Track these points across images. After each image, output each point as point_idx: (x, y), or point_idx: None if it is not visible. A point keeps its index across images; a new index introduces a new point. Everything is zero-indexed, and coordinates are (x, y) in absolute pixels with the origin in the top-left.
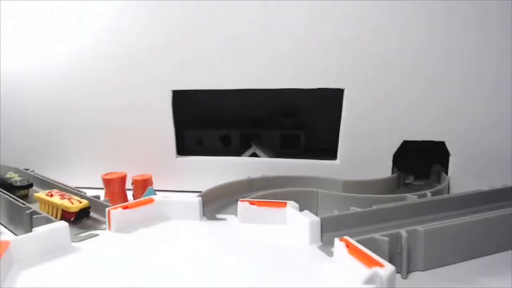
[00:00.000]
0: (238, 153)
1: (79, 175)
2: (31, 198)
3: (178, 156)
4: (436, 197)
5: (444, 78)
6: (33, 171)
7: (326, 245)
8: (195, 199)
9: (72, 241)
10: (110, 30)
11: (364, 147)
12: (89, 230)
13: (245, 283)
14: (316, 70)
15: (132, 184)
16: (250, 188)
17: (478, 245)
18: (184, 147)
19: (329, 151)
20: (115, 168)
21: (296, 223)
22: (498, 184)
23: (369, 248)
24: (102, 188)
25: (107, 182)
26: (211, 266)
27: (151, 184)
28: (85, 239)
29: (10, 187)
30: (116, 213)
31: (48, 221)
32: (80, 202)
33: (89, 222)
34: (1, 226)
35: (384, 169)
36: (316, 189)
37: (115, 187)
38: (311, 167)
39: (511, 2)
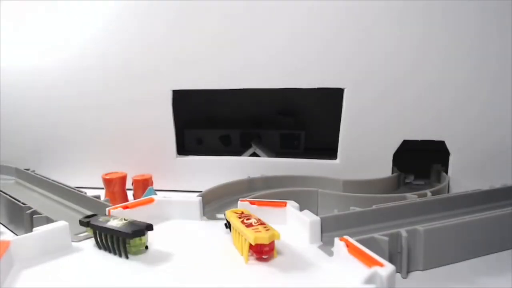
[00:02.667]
0: (238, 153)
1: (79, 175)
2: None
3: (178, 156)
4: (436, 197)
5: (444, 78)
6: (33, 171)
7: (326, 244)
8: (195, 199)
9: (72, 241)
10: (110, 30)
11: (364, 147)
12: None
13: (245, 282)
14: (316, 70)
15: (132, 184)
16: (250, 188)
17: (478, 245)
18: (184, 147)
19: (329, 151)
20: (116, 168)
21: (296, 223)
22: (498, 184)
23: (369, 248)
24: (102, 188)
25: (108, 182)
26: (211, 266)
27: (151, 184)
28: (85, 239)
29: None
30: (116, 213)
31: (49, 221)
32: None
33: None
34: (2, 226)
35: (384, 169)
36: (316, 189)
37: (116, 187)
38: (311, 167)
39: (511, 2)
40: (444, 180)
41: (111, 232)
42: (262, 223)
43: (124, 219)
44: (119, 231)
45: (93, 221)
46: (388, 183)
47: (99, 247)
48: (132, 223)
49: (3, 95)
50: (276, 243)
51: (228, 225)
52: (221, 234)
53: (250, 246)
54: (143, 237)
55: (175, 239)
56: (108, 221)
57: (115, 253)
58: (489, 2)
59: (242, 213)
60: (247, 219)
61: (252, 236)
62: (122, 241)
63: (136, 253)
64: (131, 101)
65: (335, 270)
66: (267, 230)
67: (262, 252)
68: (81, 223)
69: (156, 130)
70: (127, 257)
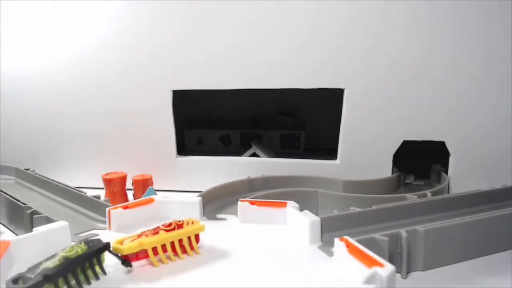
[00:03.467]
0: (238, 153)
1: (79, 175)
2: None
3: (178, 156)
4: (436, 197)
5: (444, 78)
6: (33, 171)
7: (326, 245)
8: (195, 199)
9: (72, 241)
10: (111, 31)
11: (364, 147)
12: (89, 230)
13: (245, 283)
14: (316, 71)
15: (132, 184)
16: (250, 188)
17: (478, 245)
18: (184, 147)
19: (329, 151)
20: (116, 168)
21: (296, 223)
22: (498, 184)
23: (369, 248)
24: (102, 188)
25: (108, 182)
26: (210, 266)
27: (151, 184)
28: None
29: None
30: (116, 213)
31: (49, 221)
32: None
33: None
34: (2, 226)
35: (384, 169)
36: (316, 189)
37: (116, 187)
38: (311, 167)
39: None
40: (444, 181)
41: (87, 259)
42: (180, 220)
43: (78, 243)
44: (97, 249)
45: (43, 272)
46: (388, 183)
47: None
48: (87, 242)
49: (4, 95)
50: (277, 243)
51: (127, 262)
52: (221, 234)
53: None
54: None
55: None
56: (55, 263)
57: (89, 283)
58: (494, 7)
59: (140, 235)
60: (166, 227)
61: (199, 226)
62: (97, 260)
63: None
64: (131, 101)
65: (335, 270)
66: (192, 222)
67: (198, 239)
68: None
69: (156, 130)
70: (105, 273)
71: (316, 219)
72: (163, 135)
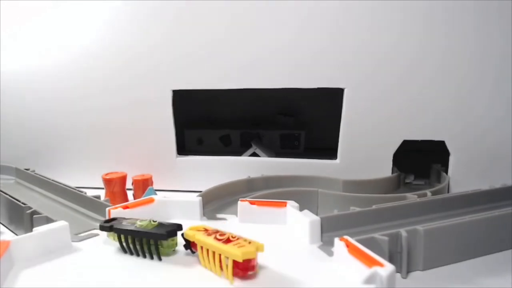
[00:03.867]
0: (238, 153)
1: (79, 175)
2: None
3: (179, 156)
4: (436, 197)
5: (444, 78)
6: (33, 171)
7: (326, 245)
8: (195, 199)
9: (72, 241)
10: (109, 30)
11: (364, 147)
12: (89, 230)
13: (245, 283)
14: (316, 70)
15: (132, 184)
16: (250, 188)
17: (478, 245)
18: (184, 147)
19: (329, 151)
20: (116, 168)
21: (296, 223)
22: (498, 184)
23: (369, 248)
24: (102, 188)
25: (108, 182)
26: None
27: (151, 184)
28: (85, 239)
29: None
30: (116, 213)
31: (49, 221)
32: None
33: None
34: (2, 226)
35: (384, 169)
36: (316, 189)
37: (116, 187)
38: (311, 167)
39: (511, 3)
40: (444, 180)
41: (143, 235)
42: (239, 237)
43: (153, 221)
44: (153, 233)
45: (117, 225)
46: (388, 183)
47: (125, 251)
48: (162, 224)
49: (3, 95)
50: (277, 243)
51: (188, 246)
52: None
53: (235, 264)
54: (175, 238)
55: None
56: (134, 223)
57: (144, 256)
58: (490, 5)
59: (206, 230)
60: (221, 235)
61: (239, 252)
62: (155, 243)
63: (168, 254)
64: (131, 101)
65: (335, 270)
66: (249, 243)
67: (248, 268)
68: (102, 228)
69: (156, 130)
70: (160, 259)
71: (316, 219)
72: (163, 135)
